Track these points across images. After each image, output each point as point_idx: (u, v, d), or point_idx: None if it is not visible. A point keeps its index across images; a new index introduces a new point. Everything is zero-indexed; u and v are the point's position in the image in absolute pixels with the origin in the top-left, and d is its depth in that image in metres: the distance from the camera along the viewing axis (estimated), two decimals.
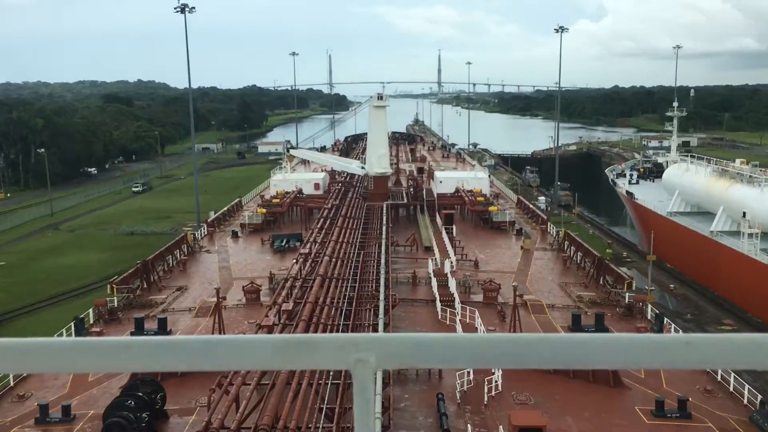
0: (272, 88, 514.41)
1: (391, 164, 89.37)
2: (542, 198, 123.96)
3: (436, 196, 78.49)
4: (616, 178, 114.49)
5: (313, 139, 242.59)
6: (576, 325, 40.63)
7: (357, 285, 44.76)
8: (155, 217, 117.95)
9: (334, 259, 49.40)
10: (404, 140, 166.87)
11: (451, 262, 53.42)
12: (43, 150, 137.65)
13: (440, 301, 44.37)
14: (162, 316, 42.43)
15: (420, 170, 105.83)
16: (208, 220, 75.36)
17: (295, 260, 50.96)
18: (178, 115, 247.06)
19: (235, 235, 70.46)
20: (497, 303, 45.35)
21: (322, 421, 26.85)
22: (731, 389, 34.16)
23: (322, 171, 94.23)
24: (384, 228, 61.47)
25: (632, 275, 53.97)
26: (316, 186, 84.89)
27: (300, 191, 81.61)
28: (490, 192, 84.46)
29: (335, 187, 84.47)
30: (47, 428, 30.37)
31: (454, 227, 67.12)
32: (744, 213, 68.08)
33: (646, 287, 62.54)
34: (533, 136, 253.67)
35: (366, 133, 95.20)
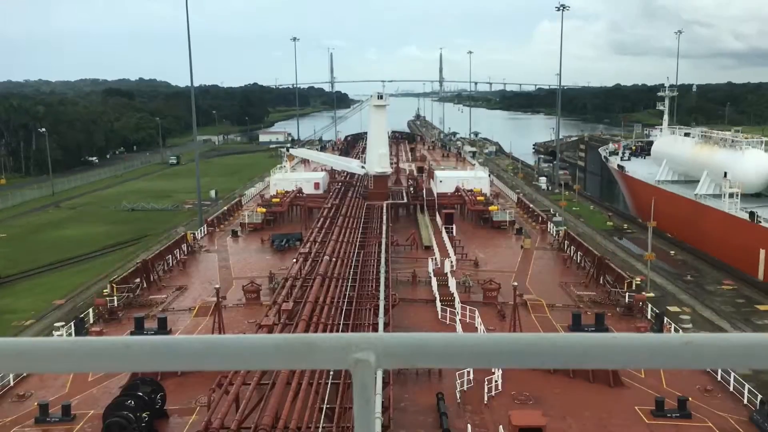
0: (273, 87, 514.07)
1: (391, 164, 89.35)
2: (543, 178, 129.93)
3: (436, 195, 78.46)
4: (609, 155, 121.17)
5: (316, 132, 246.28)
6: (576, 325, 40.60)
7: (357, 284, 44.75)
8: (156, 196, 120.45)
9: (334, 259, 49.40)
10: (404, 139, 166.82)
11: (451, 262, 53.42)
12: (44, 129, 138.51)
13: (440, 300, 44.37)
14: (162, 316, 42.43)
15: (420, 170, 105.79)
16: (208, 220, 75.24)
17: (295, 260, 50.96)
18: (179, 109, 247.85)
19: (235, 234, 70.46)
20: (497, 303, 45.34)
21: (322, 421, 26.86)
22: (731, 389, 34.16)
23: (322, 170, 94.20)
24: (384, 227, 61.47)
25: (632, 275, 53.88)
26: (316, 185, 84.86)
27: (300, 191, 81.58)
28: (490, 192, 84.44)
29: (335, 187, 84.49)
30: (47, 428, 30.37)
31: (454, 227, 67.12)
32: (725, 174, 74.68)
33: (646, 253, 65.11)
34: (534, 131, 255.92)
35: (366, 132, 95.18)
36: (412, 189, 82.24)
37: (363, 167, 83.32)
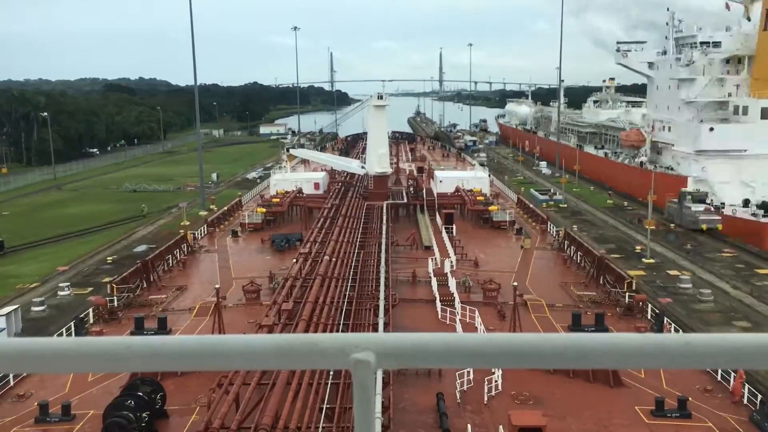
0: (274, 86, 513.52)
1: (391, 164, 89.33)
2: (543, 163, 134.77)
3: (436, 195, 78.47)
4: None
5: (317, 123, 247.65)
6: (576, 325, 40.61)
7: (357, 284, 44.76)
8: (157, 180, 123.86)
9: (334, 259, 49.41)
10: (404, 140, 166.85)
11: (451, 262, 53.44)
12: (45, 114, 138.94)
13: (440, 300, 44.38)
14: (162, 316, 42.42)
15: (420, 170, 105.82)
16: (209, 220, 75.21)
17: (295, 260, 50.97)
18: (179, 104, 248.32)
19: (235, 234, 70.47)
20: (497, 303, 45.33)
21: (322, 421, 26.86)
22: (731, 389, 34.15)
23: (322, 170, 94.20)
24: (384, 227, 61.49)
25: (632, 276, 53.90)
26: (316, 185, 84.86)
27: (300, 191, 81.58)
28: (490, 192, 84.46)
29: (335, 187, 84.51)
30: (47, 428, 30.37)
31: (454, 227, 67.13)
32: None
33: (647, 219, 67.74)
34: None
35: (366, 132, 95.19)
36: (412, 189, 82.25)
37: (363, 167, 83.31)
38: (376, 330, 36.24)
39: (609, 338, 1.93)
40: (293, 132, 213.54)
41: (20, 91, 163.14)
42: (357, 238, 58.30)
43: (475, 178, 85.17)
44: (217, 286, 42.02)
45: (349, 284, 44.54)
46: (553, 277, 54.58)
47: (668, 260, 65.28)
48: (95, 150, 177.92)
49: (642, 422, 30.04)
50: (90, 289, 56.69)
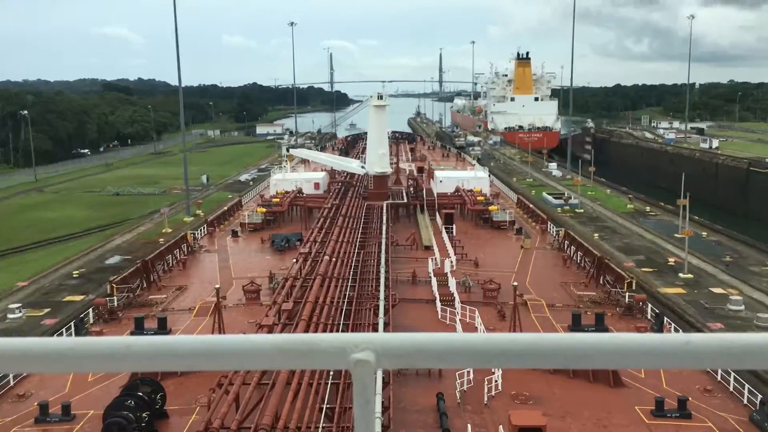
0: (273, 86, 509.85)
1: (391, 163, 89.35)
2: (553, 164, 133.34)
3: (436, 195, 78.49)
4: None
5: (314, 123, 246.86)
6: (576, 325, 40.62)
7: (357, 284, 44.76)
8: (143, 182, 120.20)
9: (334, 259, 49.41)
10: (404, 139, 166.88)
11: (451, 262, 53.44)
12: (26, 112, 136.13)
13: (440, 300, 44.38)
14: (162, 316, 42.44)
15: (420, 170, 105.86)
16: (209, 220, 75.17)
17: (295, 260, 50.97)
18: (176, 105, 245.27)
19: (235, 234, 70.48)
20: (497, 303, 45.34)
21: (322, 421, 26.86)
22: (731, 389, 34.17)
23: (322, 170, 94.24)
24: (384, 227, 61.49)
25: (633, 275, 53.86)
26: (316, 185, 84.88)
27: (300, 191, 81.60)
28: (490, 191, 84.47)
29: (335, 187, 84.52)
30: (47, 428, 30.38)
31: (454, 227, 67.13)
32: None
33: (682, 228, 62.61)
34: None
35: (366, 132, 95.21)
36: (412, 189, 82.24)
37: (363, 167, 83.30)
38: (376, 330, 36.24)
39: (609, 338, 1.93)
40: (290, 132, 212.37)
41: (7, 89, 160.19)
42: (357, 238, 58.31)
43: (475, 178, 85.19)
44: (217, 286, 42.02)
45: (349, 284, 44.54)
46: (553, 277, 54.58)
47: (707, 275, 58.41)
48: (86, 150, 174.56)
49: (642, 422, 30.04)
50: (47, 310, 51.31)
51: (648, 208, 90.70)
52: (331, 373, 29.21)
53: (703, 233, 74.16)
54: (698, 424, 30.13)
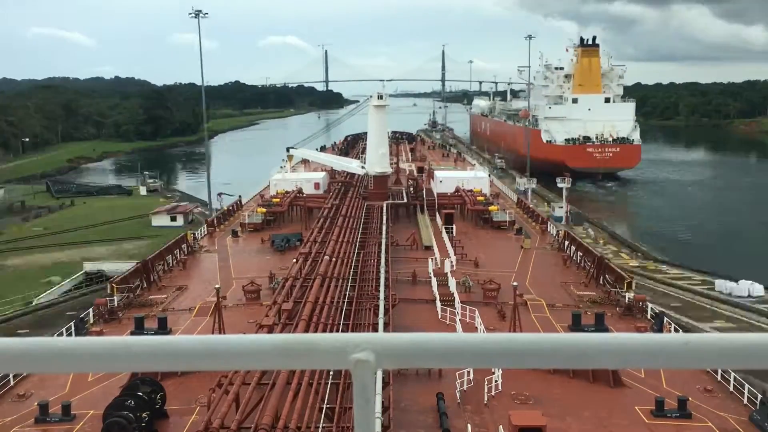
0: (262, 85, 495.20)
1: (391, 164, 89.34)
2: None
3: (436, 195, 78.48)
4: None
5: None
6: (576, 325, 40.62)
7: (357, 285, 44.74)
8: None
9: (334, 259, 49.40)
10: (404, 139, 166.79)
11: (451, 262, 53.43)
12: None
13: (440, 300, 44.37)
14: (162, 316, 42.42)
15: (420, 170, 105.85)
16: (208, 220, 75.07)
17: (295, 260, 50.95)
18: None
19: (235, 234, 70.46)
20: (497, 303, 45.34)
21: (322, 420, 26.86)
22: (731, 389, 34.17)
23: (322, 170, 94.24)
24: (384, 227, 61.47)
25: (632, 275, 53.87)
26: (316, 185, 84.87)
27: (300, 191, 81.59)
28: (490, 192, 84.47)
29: (335, 187, 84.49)
30: (47, 428, 30.37)
31: (454, 227, 67.13)
32: None
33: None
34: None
35: (366, 132, 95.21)
36: (412, 189, 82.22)
37: (363, 167, 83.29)
38: (376, 330, 36.23)
39: (609, 338, 1.93)
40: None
41: None
42: (357, 238, 58.29)
43: (475, 178, 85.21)
44: (217, 286, 42.02)
45: (349, 284, 44.52)
46: (553, 277, 54.57)
47: None
48: None
49: (642, 422, 30.04)
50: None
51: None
52: (331, 373, 29.20)
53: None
54: (698, 424, 30.12)
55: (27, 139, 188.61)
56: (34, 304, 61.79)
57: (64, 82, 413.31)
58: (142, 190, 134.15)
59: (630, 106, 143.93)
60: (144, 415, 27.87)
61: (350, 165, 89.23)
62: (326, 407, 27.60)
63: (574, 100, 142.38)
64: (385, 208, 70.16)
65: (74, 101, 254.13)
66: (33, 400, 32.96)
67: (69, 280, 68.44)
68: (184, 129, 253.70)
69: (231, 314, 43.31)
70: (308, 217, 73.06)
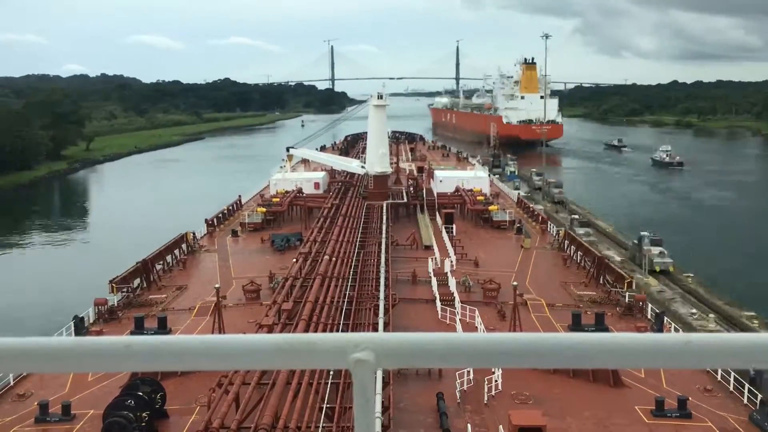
0: (260, 84, 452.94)
1: (391, 163, 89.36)
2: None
3: (436, 195, 78.50)
4: None
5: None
6: (576, 325, 40.61)
7: (357, 284, 44.74)
8: None
9: (334, 259, 49.40)
10: (404, 139, 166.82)
11: (451, 262, 53.44)
12: None
13: (440, 300, 44.38)
14: (162, 316, 42.44)
15: (420, 169, 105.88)
16: (208, 220, 75.08)
17: (295, 259, 50.96)
18: None
19: (235, 234, 70.44)
20: (497, 302, 45.34)
21: (322, 420, 26.86)
22: (731, 389, 34.17)
23: (322, 170, 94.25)
24: (384, 227, 61.50)
25: (631, 275, 53.90)
26: (316, 185, 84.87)
27: (300, 190, 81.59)
28: (490, 191, 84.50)
29: (335, 187, 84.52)
30: (47, 427, 30.37)
31: (454, 226, 67.14)
32: None
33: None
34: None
35: (365, 132, 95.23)
36: (412, 189, 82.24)
37: (363, 167, 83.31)
38: (376, 330, 36.23)
39: (609, 338, 1.94)
40: None
41: None
42: (357, 237, 58.30)
43: (475, 178, 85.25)
44: (217, 285, 42.03)
45: (349, 284, 44.53)
46: (553, 277, 54.58)
47: None
48: None
49: (642, 422, 30.04)
50: None
51: None
52: (331, 373, 29.21)
53: None
54: (698, 423, 30.13)
55: None
56: None
57: (41, 79, 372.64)
58: None
59: (555, 101, 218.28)
60: (144, 415, 27.87)
61: (350, 165, 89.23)
62: (326, 407, 27.61)
63: (522, 97, 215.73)
64: (385, 208, 70.18)
65: None
66: (33, 400, 32.95)
67: None
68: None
69: (231, 314, 43.31)
70: (308, 217, 73.05)
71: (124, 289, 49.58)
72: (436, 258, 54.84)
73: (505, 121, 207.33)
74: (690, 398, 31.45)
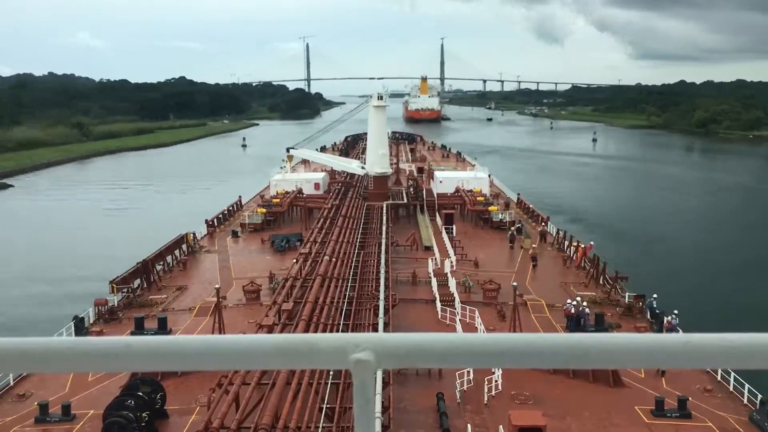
0: (221, 84, 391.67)
1: (391, 164, 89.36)
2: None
3: (436, 195, 78.50)
4: None
5: None
6: (576, 325, 40.64)
7: (357, 285, 44.74)
8: None
9: (334, 259, 49.40)
10: (404, 140, 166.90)
11: (451, 262, 53.44)
12: None
13: (440, 300, 44.38)
14: (162, 316, 42.43)
15: (420, 170, 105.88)
16: (208, 220, 75.07)
17: (295, 260, 50.94)
18: None
19: (235, 234, 70.44)
20: (497, 303, 45.34)
21: (322, 420, 26.86)
22: (731, 389, 34.17)
23: (322, 171, 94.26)
24: (384, 228, 61.48)
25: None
26: (316, 186, 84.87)
27: (300, 191, 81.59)
28: (490, 192, 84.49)
29: (335, 187, 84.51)
30: (47, 428, 30.37)
31: (454, 227, 67.14)
32: None
33: None
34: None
35: (365, 133, 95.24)
36: (412, 189, 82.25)
37: (363, 168, 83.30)
38: (376, 330, 36.23)
39: (609, 338, 1.93)
40: None
41: None
42: (357, 238, 58.30)
43: (475, 178, 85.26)
44: (217, 286, 42.03)
45: (349, 284, 44.52)
46: (553, 277, 54.57)
47: None
48: None
49: (642, 422, 30.04)
50: None
51: None
52: (331, 373, 29.21)
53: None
54: (698, 423, 30.13)
55: None
56: None
57: None
58: None
59: (436, 99, 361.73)
60: (144, 415, 27.87)
61: (350, 165, 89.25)
62: (326, 407, 27.60)
63: (420, 96, 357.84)
64: (385, 209, 70.18)
65: None
66: (33, 400, 32.95)
67: None
68: None
69: (231, 314, 43.31)
70: (308, 218, 73.04)
71: (125, 290, 49.56)
72: (436, 258, 54.84)
73: (410, 108, 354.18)
74: (690, 398, 31.45)
